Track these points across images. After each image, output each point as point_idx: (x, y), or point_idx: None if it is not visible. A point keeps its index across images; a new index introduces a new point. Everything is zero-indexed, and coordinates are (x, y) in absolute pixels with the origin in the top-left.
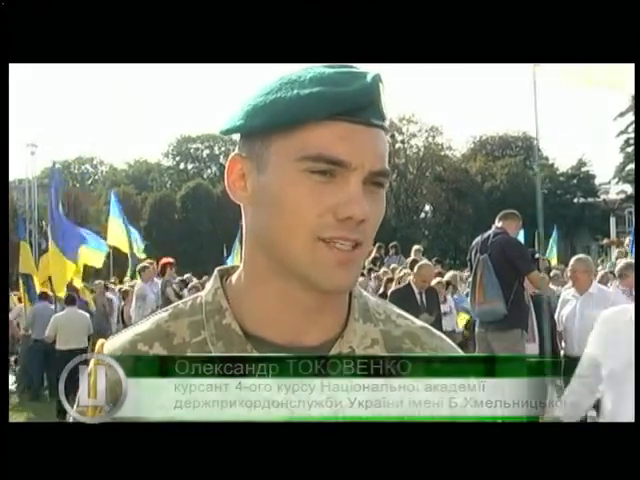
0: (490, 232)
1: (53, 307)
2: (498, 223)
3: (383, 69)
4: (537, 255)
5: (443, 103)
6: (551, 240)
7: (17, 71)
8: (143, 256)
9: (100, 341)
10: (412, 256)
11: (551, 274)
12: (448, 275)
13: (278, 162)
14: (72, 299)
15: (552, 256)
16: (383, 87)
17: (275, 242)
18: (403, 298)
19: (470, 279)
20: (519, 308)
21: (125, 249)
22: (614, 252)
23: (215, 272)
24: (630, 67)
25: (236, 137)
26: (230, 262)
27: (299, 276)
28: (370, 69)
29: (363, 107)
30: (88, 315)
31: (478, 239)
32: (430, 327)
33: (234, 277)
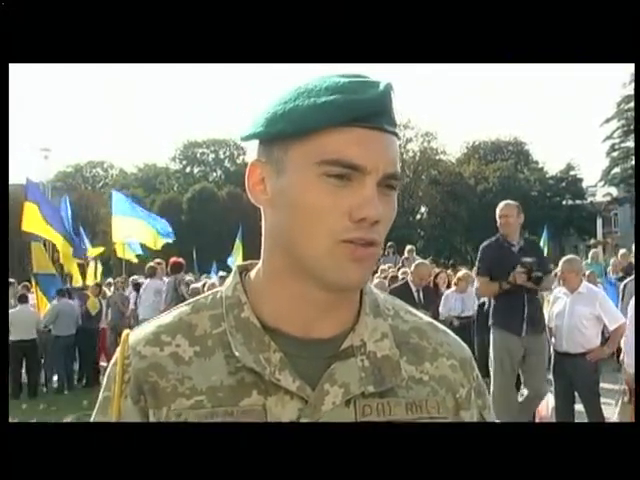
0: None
1: (73, 303)
2: None
3: (380, 74)
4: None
5: (438, 109)
6: (542, 239)
7: (31, 77)
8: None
9: (125, 331)
10: (405, 255)
11: None
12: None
13: (297, 166)
14: (24, 297)
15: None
16: (394, 95)
17: (294, 243)
18: (401, 295)
19: None
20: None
21: (150, 242)
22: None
23: (235, 268)
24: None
25: (242, 143)
26: (231, 262)
27: (315, 276)
28: (367, 72)
29: (377, 114)
30: (36, 311)
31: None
32: (436, 322)
33: (253, 273)
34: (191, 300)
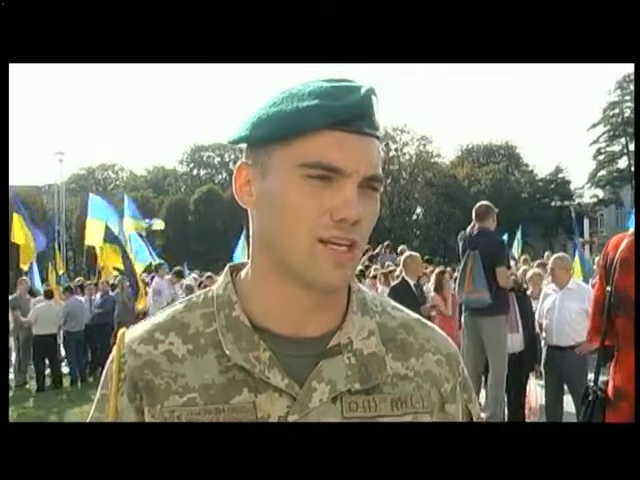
0: (476, 228)
1: (84, 301)
2: (482, 222)
3: (378, 81)
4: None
5: (433, 114)
6: (516, 238)
7: (46, 82)
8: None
9: (121, 330)
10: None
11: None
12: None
13: (279, 169)
14: (51, 294)
15: (517, 252)
16: (377, 99)
17: (276, 243)
18: (402, 292)
19: (459, 270)
20: (502, 298)
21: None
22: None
23: (226, 268)
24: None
25: (243, 146)
26: (237, 259)
27: (297, 276)
28: (365, 80)
29: (357, 118)
30: (59, 308)
31: (466, 233)
32: (423, 319)
33: (243, 273)
34: (184, 299)
